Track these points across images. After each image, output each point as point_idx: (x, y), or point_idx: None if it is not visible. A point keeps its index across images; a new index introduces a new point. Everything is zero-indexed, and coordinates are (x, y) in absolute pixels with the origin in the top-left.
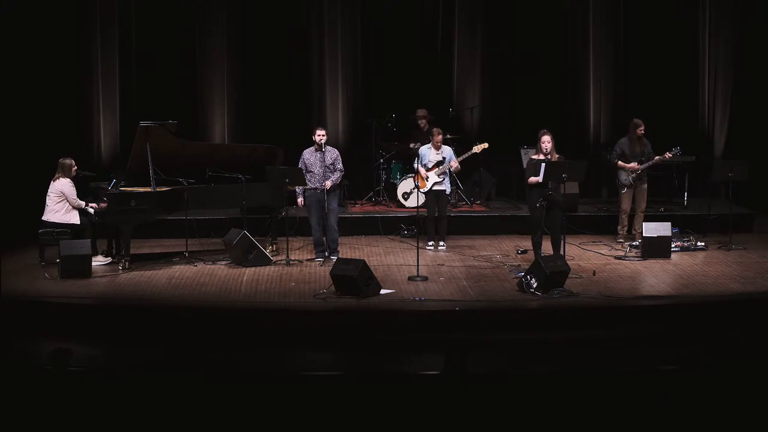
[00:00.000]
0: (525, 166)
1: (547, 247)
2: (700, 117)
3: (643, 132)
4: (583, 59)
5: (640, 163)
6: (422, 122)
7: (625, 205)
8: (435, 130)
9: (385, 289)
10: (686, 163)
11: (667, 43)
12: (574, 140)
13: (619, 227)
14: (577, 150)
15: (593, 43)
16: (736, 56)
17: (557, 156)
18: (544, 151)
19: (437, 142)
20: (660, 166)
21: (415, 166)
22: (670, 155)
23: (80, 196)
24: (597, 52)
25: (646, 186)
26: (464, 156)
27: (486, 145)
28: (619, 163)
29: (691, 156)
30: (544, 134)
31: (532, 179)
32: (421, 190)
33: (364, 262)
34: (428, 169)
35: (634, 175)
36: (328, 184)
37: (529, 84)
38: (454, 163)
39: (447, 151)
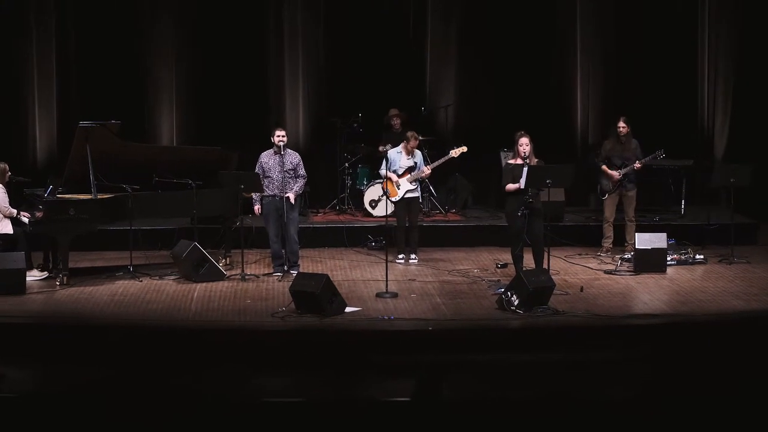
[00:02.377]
0: (503, 171)
1: (529, 261)
2: (699, 116)
3: (625, 131)
4: (569, 53)
5: (621, 167)
6: (395, 122)
7: (607, 212)
8: (410, 133)
9: (350, 306)
10: (683, 167)
11: (662, 35)
12: (560, 142)
13: (603, 240)
14: (563, 153)
15: (581, 36)
16: (738, 50)
17: (536, 160)
18: (522, 154)
19: (412, 147)
20: (655, 171)
21: (382, 172)
22: (638, 166)
23: (13, 203)
24: (585, 46)
25: (633, 193)
26: (440, 161)
27: (464, 148)
28: (603, 167)
29: (688, 159)
30: (521, 136)
31: (511, 186)
32: (392, 198)
33: (327, 277)
34: (399, 176)
35: (614, 179)
36: (291, 196)
37: (510, 80)
38: (425, 170)
39: (419, 156)
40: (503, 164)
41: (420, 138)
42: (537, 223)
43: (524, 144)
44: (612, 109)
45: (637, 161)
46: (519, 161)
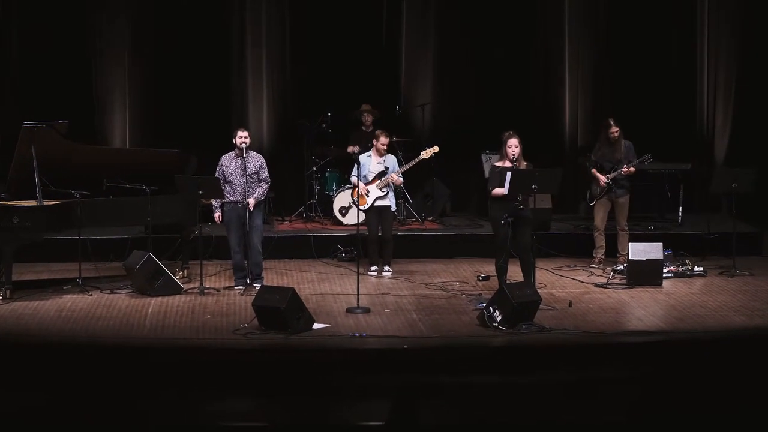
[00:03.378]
0: (487, 175)
1: (514, 273)
2: (697, 116)
3: (616, 134)
4: (556, 49)
5: (611, 171)
6: (366, 119)
7: (597, 220)
8: (379, 132)
9: (318, 323)
10: (680, 171)
11: (657, 28)
12: (547, 144)
13: (594, 250)
14: (550, 155)
15: (568, 31)
16: (740, 43)
17: (525, 164)
18: (510, 157)
19: (382, 145)
20: (650, 176)
21: (353, 179)
22: (628, 171)
23: None
24: (573, 41)
25: (625, 199)
26: (410, 164)
27: (436, 148)
28: (593, 171)
29: (686, 162)
30: (510, 137)
31: (497, 191)
32: (361, 207)
33: (293, 290)
34: (368, 182)
35: (602, 184)
36: (252, 202)
37: (492, 77)
38: (395, 176)
39: (390, 160)
40: (489, 167)
41: (394, 139)
42: (525, 231)
43: (513, 145)
44: (603, 108)
45: (626, 165)
46: (507, 164)
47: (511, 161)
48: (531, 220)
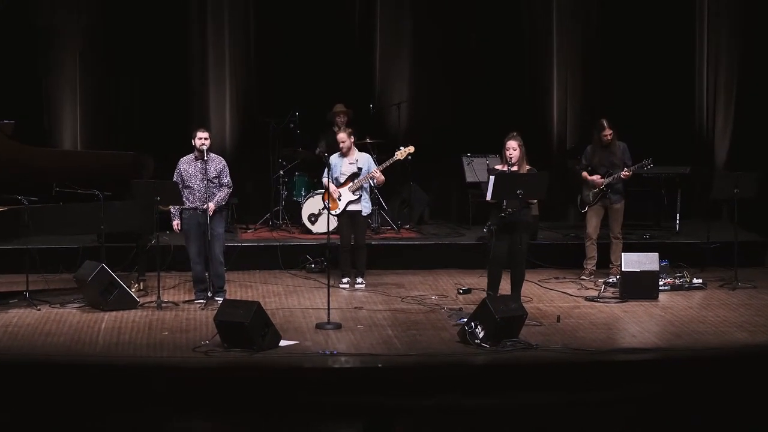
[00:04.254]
0: (469, 177)
1: (503, 286)
2: (696, 117)
3: (610, 137)
4: (543, 43)
5: (605, 176)
6: (341, 119)
7: (589, 228)
8: (342, 133)
9: (285, 339)
10: (678, 176)
11: (653, 23)
12: (533, 146)
13: (585, 260)
14: (537, 158)
15: (557, 24)
16: (742, 40)
17: (527, 168)
18: (509, 161)
19: (342, 138)
20: (645, 180)
21: (324, 180)
22: (626, 174)
23: None
24: (562, 35)
25: (620, 205)
26: (384, 165)
27: (411, 148)
28: (584, 174)
29: (684, 166)
30: (509, 139)
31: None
32: (333, 212)
33: (258, 304)
34: (340, 185)
35: (595, 190)
36: (211, 206)
37: (473, 74)
38: (377, 173)
39: (364, 159)
40: (470, 170)
41: (368, 140)
42: (518, 238)
43: (511, 147)
44: (593, 106)
45: (625, 169)
46: (506, 167)
47: (508, 165)
48: (528, 227)
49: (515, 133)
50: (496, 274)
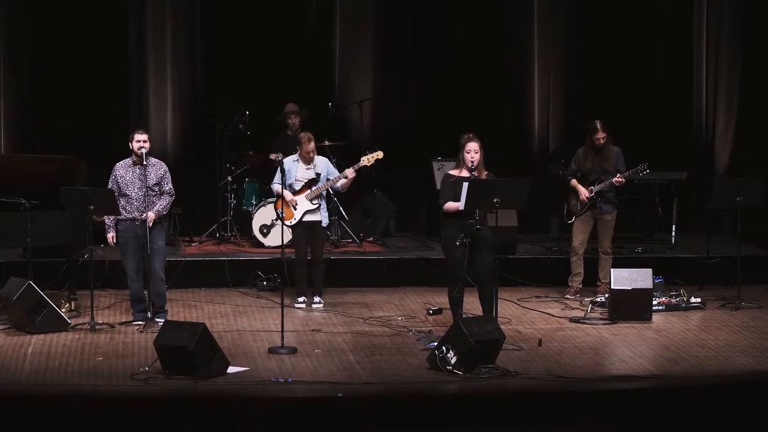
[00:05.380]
0: (439, 185)
1: (472, 305)
2: (695, 117)
3: (602, 140)
4: (523, 33)
5: (596, 182)
6: (293, 121)
7: (575, 241)
8: (304, 135)
9: (234, 366)
10: (674, 183)
11: (647, 14)
12: (512, 149)
13: (570, 277)
14: (517, 163)
15: (538, 12)
16: (744, 34)
17: (486, 173)
18: (469, 164)
19: (309, 153)
20: (638, 187)
21: (275, 186)
22: (619, 180)
23: None
24: (543, 23)
25: (612, 216)
26: (354, 168)
27: (380, 154)
28: (573, 182)
29: (681, 172)
30: (468, 140)
31: (451, 205)
32: (287, 222)
33: (204, 326)
34: (296, 192)
35: (583, 198)
36: (151, 216)
37: (445, 69)
38: (343, 179)
39: (322, 164)
40: (441, 176)
41: (326, 143)
42: (485, 255)
43: (473, 150)
44: (579, 105)
45: (618, 174)
46: (465, 173)
47: (469, 170)
48: (491, 242)
49: (472, 135)
50: (461, 293)
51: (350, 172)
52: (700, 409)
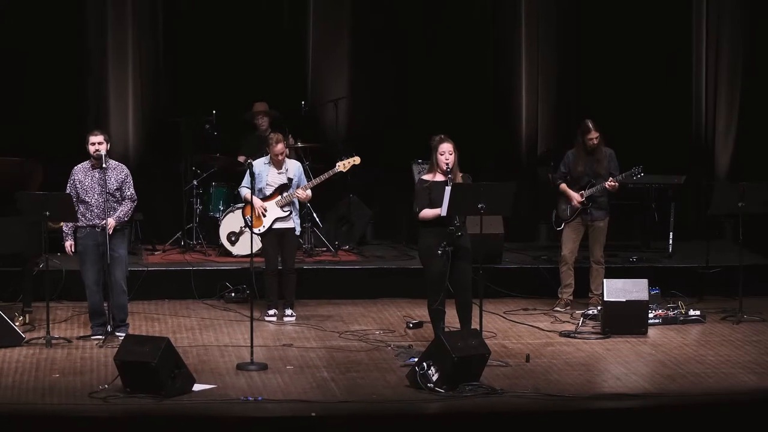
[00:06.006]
0: (415, 191)
1: (454, 318)
2: (693, 118)
3: (596, 141)
4: (510, 27)
5: (587, 186)
6: (261, 121)
7: (565, 250)
8: (273, 136)
9: (200, 383)
10: (672, 187)
11: (642, 11)
12: (497, 151)
13: (560, 289)
14: (503, 166)
15: (525, 5)
16: (747, 27)
17: (461, 175)
18: (444, 167)
19: (277, 155)
20: (632, 192)
21: (242, 191)
22: (612, 185)
23: None
24: (531, 16)
25: (604, 223)
26: (321, 178)
27: (357, 159)
28: (562, 186)
29: (679, 175)
30: (441, 141)
31: (427, 212)
32: (256, 229)
33: (167, 341)
34: (266, 197)
35: (574, 203)
36: (111, 222)
37: (425, 65)
38: (302, 192)
39: (295, 168)
40: (416, 181)
41: (299, 144)
42: (464, 265)
43: (447, 152)
44: (571, 107)
45: (610, 178)
46: (439, 177)
47: (445, 173)
48: (470, 250)
49: (444, 135)
50: (442, 305)
51: (302, 191)
52: (699, 430)
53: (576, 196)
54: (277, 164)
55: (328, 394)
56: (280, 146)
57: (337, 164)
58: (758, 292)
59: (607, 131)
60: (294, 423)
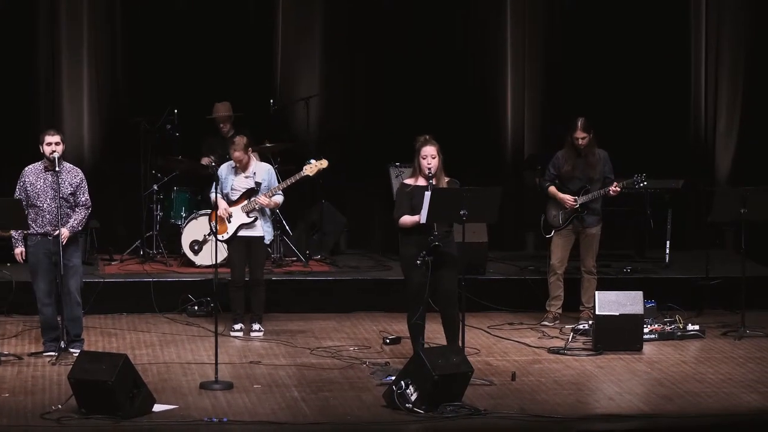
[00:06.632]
0: (396, 196)
1: (435, 333)
2: (692, 118)
3: (584, 141)
4: (495, 24)
5: (581, 192)
6: (223, 124)
7: (554, 259)
8: (238, 138)
9: (161, 404)
10: (669, 192)
11: (636, 6)
12: (481, 153)
13: (548, 301)
14: (487, 169)
15: (511, 6)
16: (749, 22)
17: (446, 180)
18: (426, 172)
19: (237, 161)
20: (626, 198)
21: (212, 196)
22: (615, 190)
23: None
24: (517, 9)
25: (596, 230)
26: (289, 182)
27: (324, 163)
28: (551, 189)
29: (676, 180)
30: (425, 144)
31: (407, 219)
32: (220, 236)
33: (125, 358)
34: (232, 203)
35: (566, 209)
36: (65, 232)
37: (404, 61)
38: (264, 199)
39: (263, 171)
40: (396, 186)
41: (267, 144)
42: (448, 275)
43: (429, 155)
44: (558, 107)
45: (614, 184)
46: (421, 181)
47: (427, 178)
48: (456, 260)
49: (429, 137)
50: (422, 319)
51: (266, 198)
52: None
53: (570, 198)
54: (243, 168)
55: (299, 415)
56: (237, 154)
57: (304, 168)
58: (761, 305)
59: (600, 132)
60: None
